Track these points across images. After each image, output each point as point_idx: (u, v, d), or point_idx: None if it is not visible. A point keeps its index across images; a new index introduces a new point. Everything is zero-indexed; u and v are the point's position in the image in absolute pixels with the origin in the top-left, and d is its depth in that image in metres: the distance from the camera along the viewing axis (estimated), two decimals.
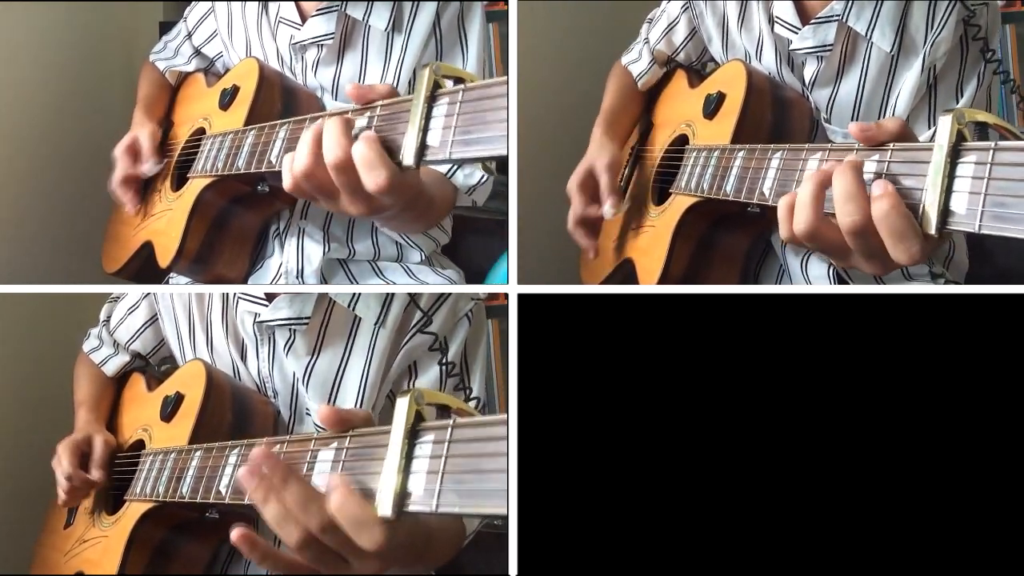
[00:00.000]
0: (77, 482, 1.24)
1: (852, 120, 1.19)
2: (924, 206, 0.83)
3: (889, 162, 0.90)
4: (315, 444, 0.88)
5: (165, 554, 1.17)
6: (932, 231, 0.82)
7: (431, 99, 0.91)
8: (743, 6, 1.28)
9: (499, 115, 0.86)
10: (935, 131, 0.84)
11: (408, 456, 0.77)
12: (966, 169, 0.81)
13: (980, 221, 0.79)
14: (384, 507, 0.77)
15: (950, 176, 0.82)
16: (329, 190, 0.99)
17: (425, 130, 0.90)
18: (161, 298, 1.33)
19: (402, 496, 0.77)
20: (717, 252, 1.24)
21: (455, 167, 1.23)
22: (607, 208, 1.31)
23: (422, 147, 0.91)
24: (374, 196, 0.96)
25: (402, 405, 0.79)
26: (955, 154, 0.82)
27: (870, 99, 1.18)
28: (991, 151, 0.80)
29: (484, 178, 1.25)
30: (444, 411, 0.81)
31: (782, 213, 0.95)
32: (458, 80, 0.91)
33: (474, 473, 0.72)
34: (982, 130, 0.85)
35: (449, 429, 0.75)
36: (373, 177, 0.94)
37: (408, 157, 0.91)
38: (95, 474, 1.25)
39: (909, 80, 1.16)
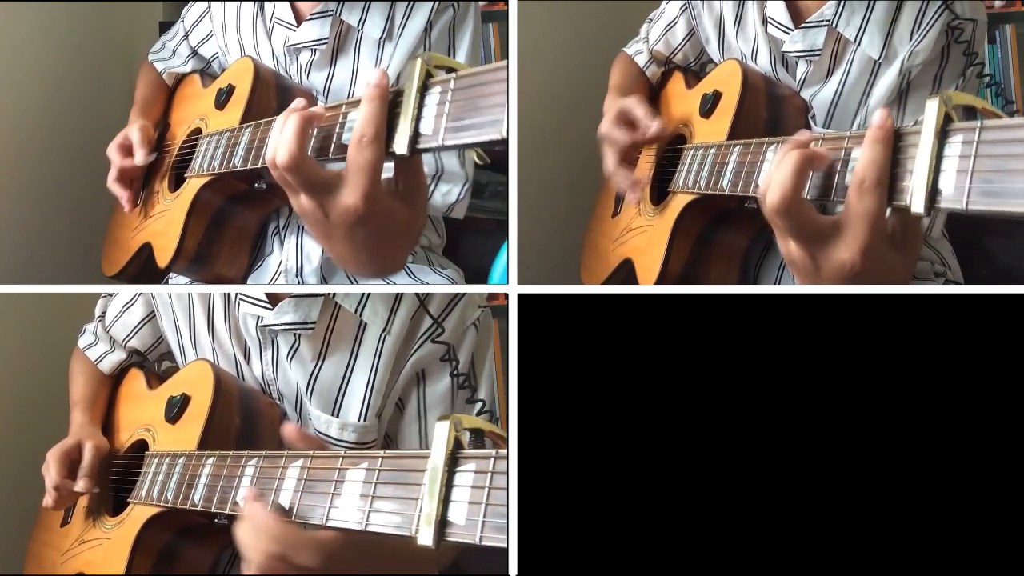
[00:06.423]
0: (64, 492, 1.23)
1: (827, 119, 1.21)
2: (912, 186, 0.84)
3: None
4: (343, 463, 0.86)
5: (169, 557, 1.16)
6: (920, 210, 0.82)
7: (423, 88, 0.91)
8: (739, 8, 1.29)
9: (490, 100, 0.85)
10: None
11: (448, 484, 0.77)
12: (953, 149, 0.81)
13: (968, 198, 0.79)
14: (424, 537, 0.77)
15: (938, 156, 0.82)
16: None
17: (418, 119, 0.90)
18: (159, 296, 1.31)
19: (442, 525, 0.76)
20: (716, 249, 1.25)
21: (433, 187, 1.23)
22: (655, 125, 1.31)
23: (415, 135, 0.90)
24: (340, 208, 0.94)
25: (442, 431, 0.78)
26: (943, 135, 0.83)
27: (846, 100, 1.20)
28: (977, 129, 0.80)
29: (461, 195, 1.26)
30: (475, 433, 0.80)
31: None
32: (450, 70, 0.91)
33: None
34: (970, 118, 0.85)
35: (492, 460, 0.75)
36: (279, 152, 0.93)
37: (401, 146, 0.91)
38: (81, 483, 1.23)
39: (884, 81, 1.17)
